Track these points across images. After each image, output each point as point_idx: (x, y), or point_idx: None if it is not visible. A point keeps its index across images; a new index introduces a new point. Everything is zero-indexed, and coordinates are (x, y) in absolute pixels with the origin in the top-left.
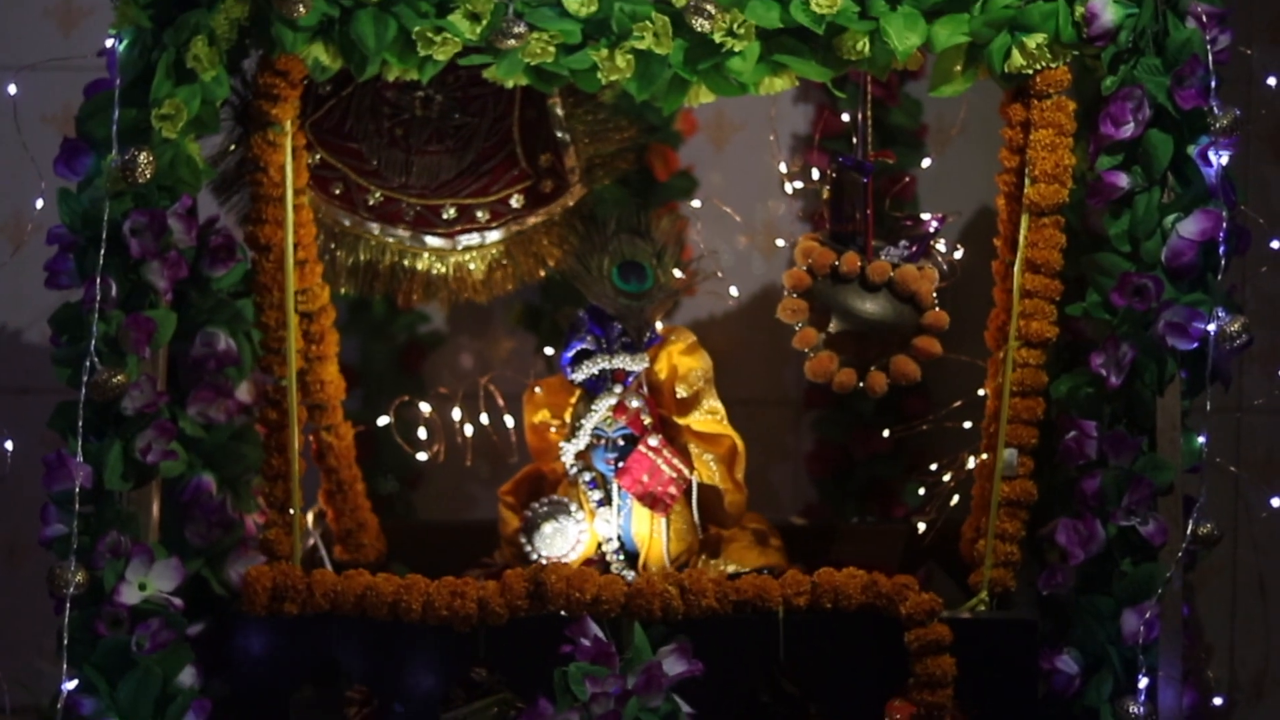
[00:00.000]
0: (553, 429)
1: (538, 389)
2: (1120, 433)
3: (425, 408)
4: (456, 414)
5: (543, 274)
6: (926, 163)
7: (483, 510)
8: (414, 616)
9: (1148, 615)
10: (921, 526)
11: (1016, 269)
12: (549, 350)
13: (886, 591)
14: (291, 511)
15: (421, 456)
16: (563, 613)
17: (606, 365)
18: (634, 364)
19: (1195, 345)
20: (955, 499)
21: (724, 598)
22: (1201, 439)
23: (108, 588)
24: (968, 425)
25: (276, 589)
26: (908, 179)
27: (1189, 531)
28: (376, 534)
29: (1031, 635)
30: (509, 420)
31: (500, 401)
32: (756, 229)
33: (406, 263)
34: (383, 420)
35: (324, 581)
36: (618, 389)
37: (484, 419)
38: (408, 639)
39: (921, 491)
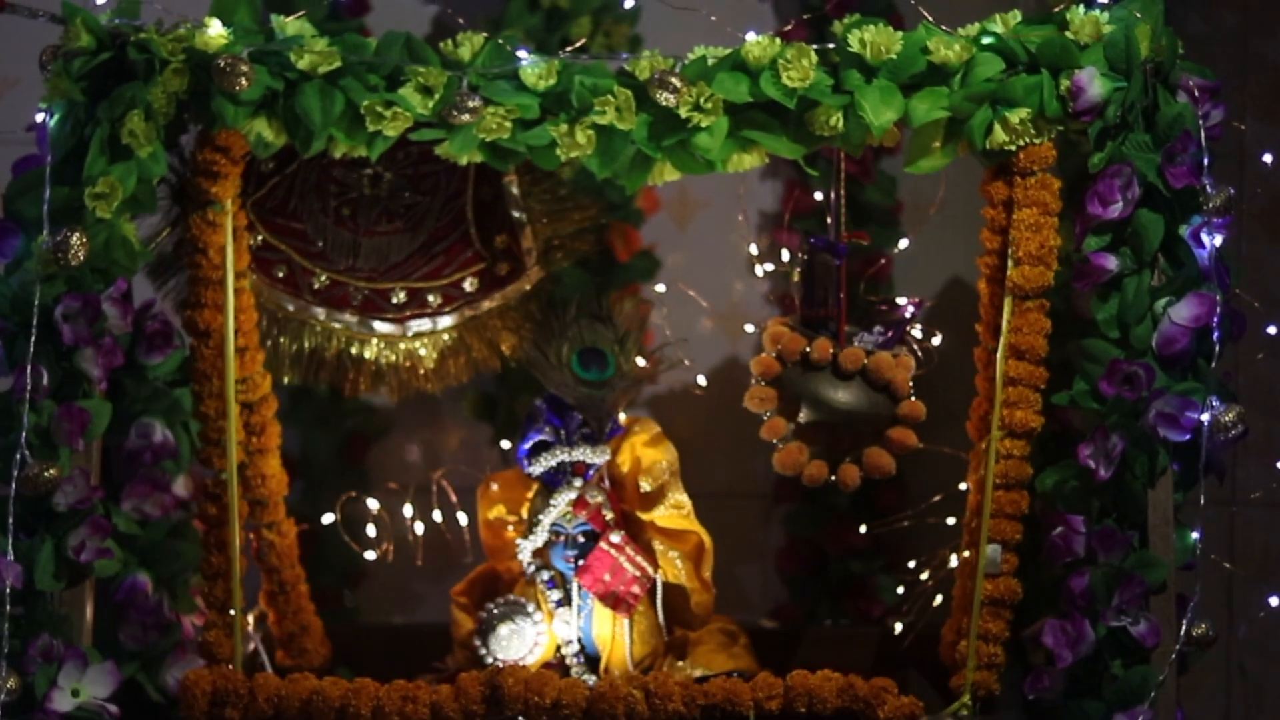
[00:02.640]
0: (509, 526)
1: (493, 483)
2: (1110, 528)
3: (373, 504)
4: (408, 510)
5: (498, 363)
6: (904, 244)
7: (431, 612)
8: None
9: None
10: (898, 629)
11: (999, 355)
12: (505, 444)
13: (864, 695)
14: (232, 612)
15: (369, 555)
16: (520, 718)
17: (566, 457)
18: (595, 456)
19: (1188, 436)
20: (938, 599)
21: (691, 702)
22: (1195, 534)
23: (39, 694)
24: (951, 521)
25: (217, 693)
26: (884, 260)
27: (1183, 632)
28: (321, 638)
29: None
30: (462, 518)
31: (454, 497)
32: (722, 312)
33: (354, 350)
34: (328, 518)
35: (267, 685)
36: (578, 482)
37: (436, 516)
38: None
39: (900, 590)
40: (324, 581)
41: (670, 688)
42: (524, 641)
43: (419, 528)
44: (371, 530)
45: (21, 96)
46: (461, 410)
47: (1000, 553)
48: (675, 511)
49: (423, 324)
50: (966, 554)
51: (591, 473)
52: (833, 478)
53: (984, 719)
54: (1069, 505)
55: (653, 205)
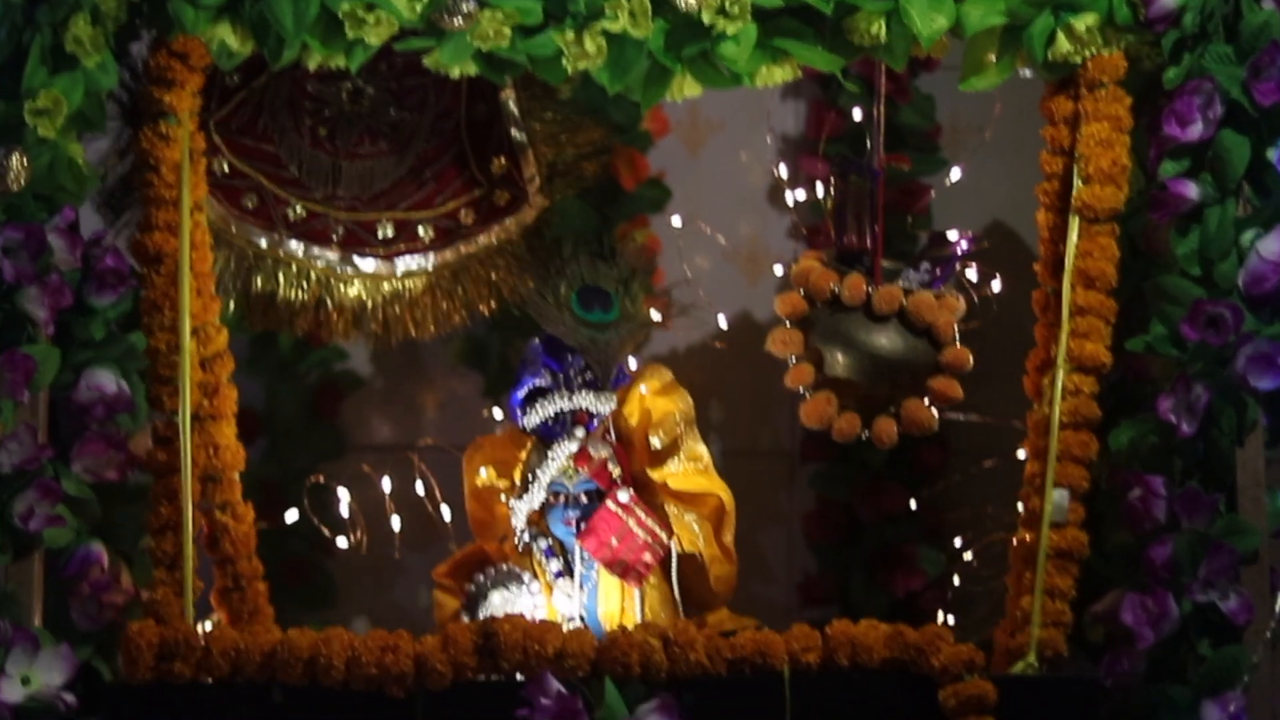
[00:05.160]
0: (500, 495)
1: (481, 445)
2: (1194, 490)
3: (344, 494)
4: (387, 484)
5: (494, 305)
6: (956, 174)
7: (411, 614)
8: (336, 677)
9: (1232, 708)
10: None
11: (1065, 282)
12: (497, 412)
13: (915, 643)
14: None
15: (341, 543)
16: (519, 674)
17: (566, 405)
18: (599, 404)
19: None
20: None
21: (717, 654)
22: None
23: None
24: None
25: (164, 647)
26: (932, 190)
27: (1278, 608)
28: None
29: (1093, 697)
30: (446, 511)
31: (435, 486)
32: (740, 249)
33: (335, 292)
34: (291, 515)
35: (224, 638)
36: (579, 433)
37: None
38: (328, 708)
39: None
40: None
41: (692, 635)
42: (519, 612)
43: (395, 522)
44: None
45: None
46: (448, 357)
47: (1068, 499)
48: (692, 465)
49: (413, 261)
50: (1026, 533)
51: (595, 423)
52: (866, 433)
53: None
54: (1147, 465)
55: (661, 128)
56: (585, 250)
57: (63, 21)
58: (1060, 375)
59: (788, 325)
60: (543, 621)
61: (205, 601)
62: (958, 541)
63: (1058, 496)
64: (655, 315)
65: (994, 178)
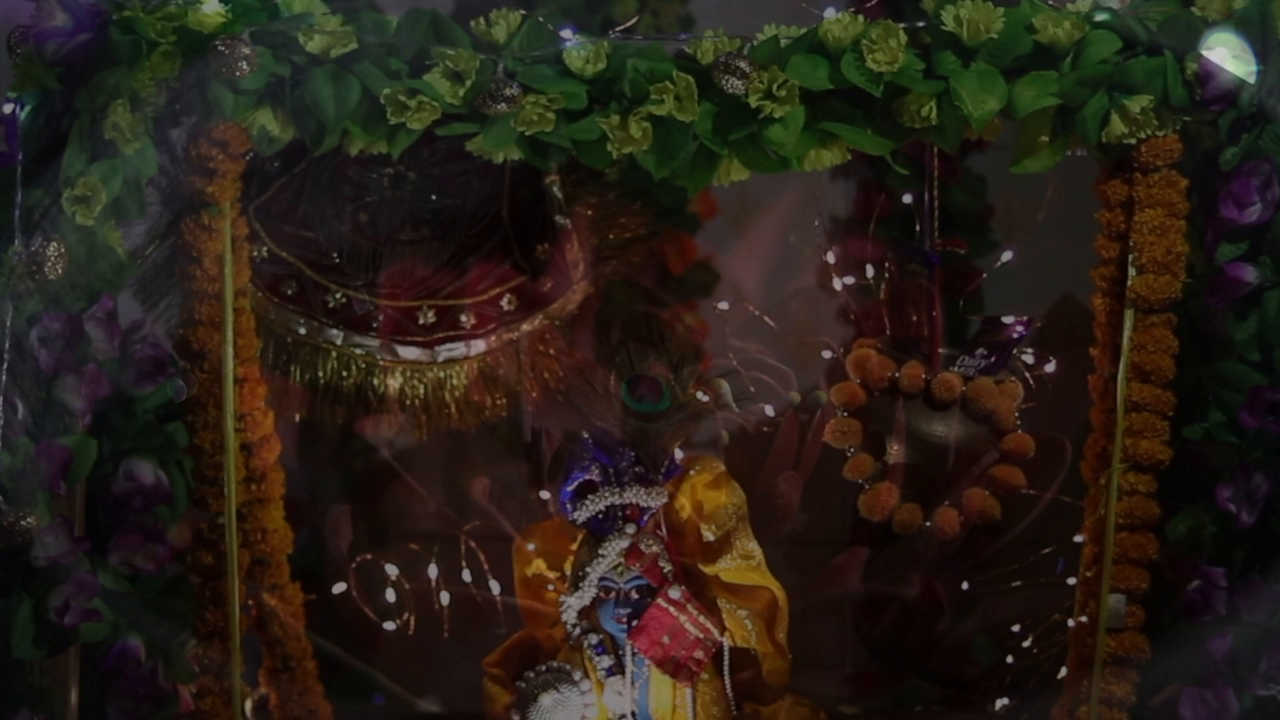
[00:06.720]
0: (550, 585)
1: (531, 536)
2: (1255, 582)
3: (392, 570)
4: (433, 571)
5: (539, 393)
6: (1008, 255)
7: (459, 692)
8: None
9: None
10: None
11: (1120, 377)
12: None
13: None
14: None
15: (388, 626)
16: None
17: (616, 500)
18: (650, 499)
19: None
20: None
21: None
22: None
23: None
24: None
25: None
26: (983, 274)
27: None
28: None
29: None
30: (495, 586)
31: (485, 564)
32: (789, 333)
33: (376, 380)
34: (339, 587)
35: None
36: (630, 529)
37: (465, 576)
38: None
39: (1008, 658)
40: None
41: None
42: (569, 713)
43: (444, 597)
44: (390, 594)
45: None
46: (494, 446)
47: (1124, 604)
48: (744, 562)
49: (455, 349)
50: (1084, 619)
51: (646, 518)
52: (927, 524)
53: None
54: (1207, 556)
55: (709, 210)
56: (634, 337)
57: (101, 108)
58: (1115, 476)
59: (845, 415)
60: None
61: (253, 673)
62: (1015, 628)
63: (1114, 601)
64: (704, 397)
65: (1047, 259)
